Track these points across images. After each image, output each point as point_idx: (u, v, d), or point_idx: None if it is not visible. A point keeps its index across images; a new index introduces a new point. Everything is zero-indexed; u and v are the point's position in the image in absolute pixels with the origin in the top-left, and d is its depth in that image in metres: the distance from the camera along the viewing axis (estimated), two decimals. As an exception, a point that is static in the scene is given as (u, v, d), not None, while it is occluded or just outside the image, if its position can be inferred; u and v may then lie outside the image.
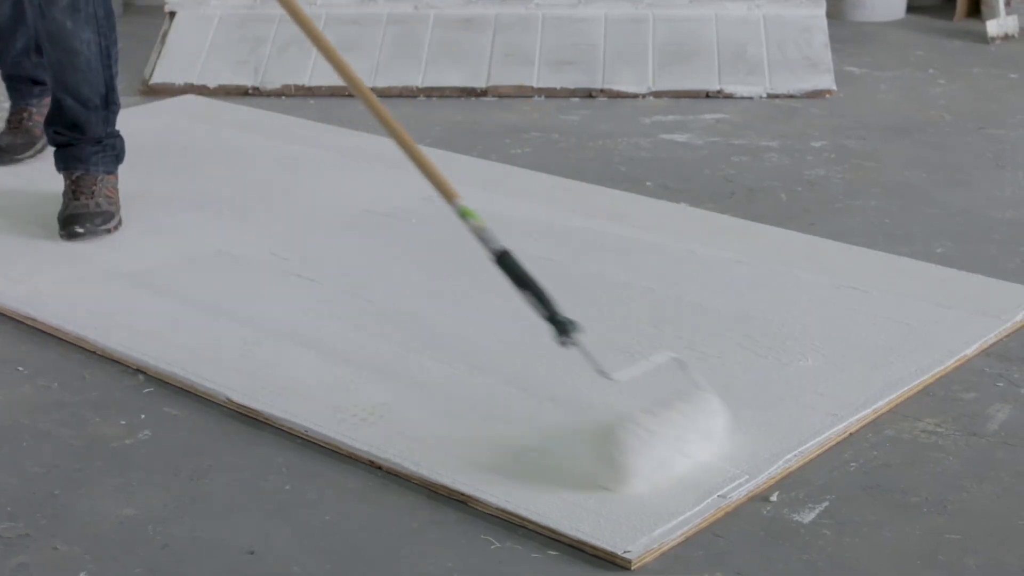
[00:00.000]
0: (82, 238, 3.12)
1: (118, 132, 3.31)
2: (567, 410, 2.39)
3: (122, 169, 3.34)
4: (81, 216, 3.14)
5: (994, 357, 2.62)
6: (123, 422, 2.42)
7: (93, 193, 3.19)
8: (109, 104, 3.27)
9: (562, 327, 2.32)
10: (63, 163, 3.25)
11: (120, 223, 3.21)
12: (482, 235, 2.46)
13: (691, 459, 2.20)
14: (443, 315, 2.78)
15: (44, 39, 3.19)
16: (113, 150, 3.28)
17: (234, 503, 2.17)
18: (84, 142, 3.24)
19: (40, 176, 3.52)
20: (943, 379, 2.53)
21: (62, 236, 3.13)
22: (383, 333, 2.69)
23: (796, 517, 2.12)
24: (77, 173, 3.23)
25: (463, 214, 2.51)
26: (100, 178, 3.23)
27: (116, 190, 3.25)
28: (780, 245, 3.12)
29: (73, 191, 3.20)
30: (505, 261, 2.42)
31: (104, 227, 3.15)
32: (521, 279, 2.39)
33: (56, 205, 3.23)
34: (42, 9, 3.15)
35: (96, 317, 2.76)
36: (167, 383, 2.54)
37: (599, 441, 2.19)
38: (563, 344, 2.33)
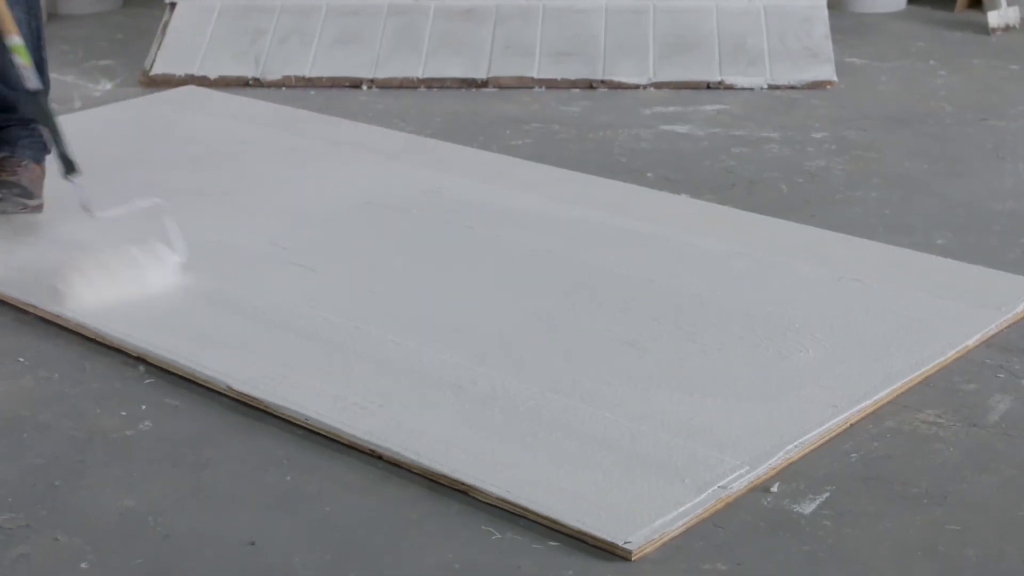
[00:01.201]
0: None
1: None
2: (569, 400, 2.39)
3: (124, 160, 3.34)
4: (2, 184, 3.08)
5: (995, 348, 2.62)
6: (124, 413, 2.42)
7: (16, 172, 3.11)
8: (45, 86, 3.16)
9: (66, 163, 2.90)
10: None
11: (41, 207, 3.14)
12: (23, 72, 2.95)
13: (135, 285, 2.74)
14: (444, 306, 2.78)
15: None
16: (41, 138, 3.17)
17: (235, 494, 2.18)
18: (13, 124, 3.18)
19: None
20: (944, 370, 2.53)
21: None
22: (384, 323, 2.69)
23: (797, 508, 2.12)
24: (2, 155, 3.16)
25: (14, 50, 2.95)
26: (25, 163, 3.15)
27: (40, 184, 3.16)
28: (780, 236, 3.12)
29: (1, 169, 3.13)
30: (36, 98, 2.96)
31: (22, 200, 3.09)
32: (43, 115, 2.95)
33: (48, 197, 3.21)
34: None
35: (96, 307, 2.76)
36: (167, 374, 2.54)
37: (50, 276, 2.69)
38: (64, 176, 2.90)
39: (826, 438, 2.30)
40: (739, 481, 2.16)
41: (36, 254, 3.03)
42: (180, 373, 2.53)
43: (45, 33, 3.22)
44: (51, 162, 3.23)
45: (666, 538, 2.04)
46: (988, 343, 2.64)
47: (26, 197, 3.11)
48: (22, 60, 2.95)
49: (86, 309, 2.72)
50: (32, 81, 2.95)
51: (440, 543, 2.04)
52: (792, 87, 4.32)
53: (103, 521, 2.11)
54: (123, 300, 2.76)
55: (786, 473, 2.21)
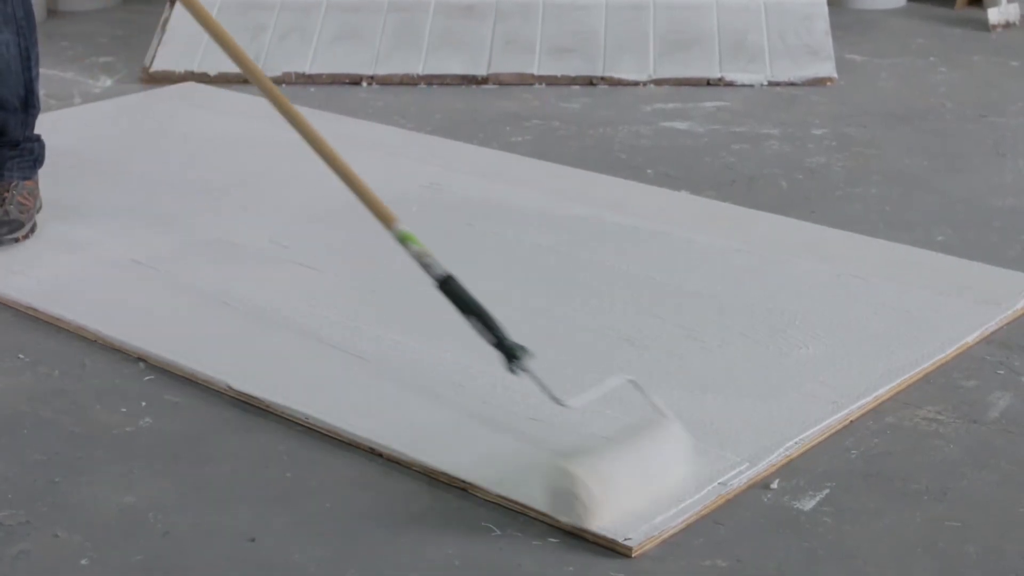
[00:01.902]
0: None
1: (38, 136, 3.17)
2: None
3: (124, 156, 3.33)
4: None
5: (995, 345, 2.62)
6: (124, 410, 2.42)
7: (4, 201, 3.05)
8: (28, 107, 3.12)
9: (511, 353, 2.24)
10: None
11: (32, 231, 3.09)
12: (423, 260, 2.40)
13: (655, 487, 2.10)
14: (444, 303, 2.77)
15: None
16: (31, 155, 3.15)
17: (235, 491, 2.18)
18: (1, 146, 3.11)
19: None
20: (944, 367, 2.53)
21: None
22: (383, 321, 2.69)
23: (797, 505, 2.12)
24: None
25: (403, 239, 2.44)
26: (14, 184, 3.09)
27: (32, 197, 3.12)
28: (781, 233, 3.12)
29: None
30: (449, 286, 2.36)
31: (11, 236, 3.04)
32: (466, 304, 2.33)
33: (47, 197, 3.20)
34: None
35: (96, 305, 2.76)
36: (167, 371, 2.54)
37: (556, 478, 2.05)
38: (513, 372, 2.24)
39: (826, 435, 2.30)
40: (739, 478, 2.16)
41: (34, 254, 3.03)
42: (180, 372, 2.53)
43: (37, 54, 3.15)
44: (48, 165, 3.22)
45: (666, 534, 2.04)
46: (988, 340, 2.64)
47: (16, 230, 3.06)
48: (416, 248, 2.41)
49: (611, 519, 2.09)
50: (436, 269, 2.38)
51: (440, 540, 2.04)
52: (792, 84, 4.32)
53: (103, 518, 2.11)
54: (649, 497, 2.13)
55: (786, 470, 2.21)
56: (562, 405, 2.20)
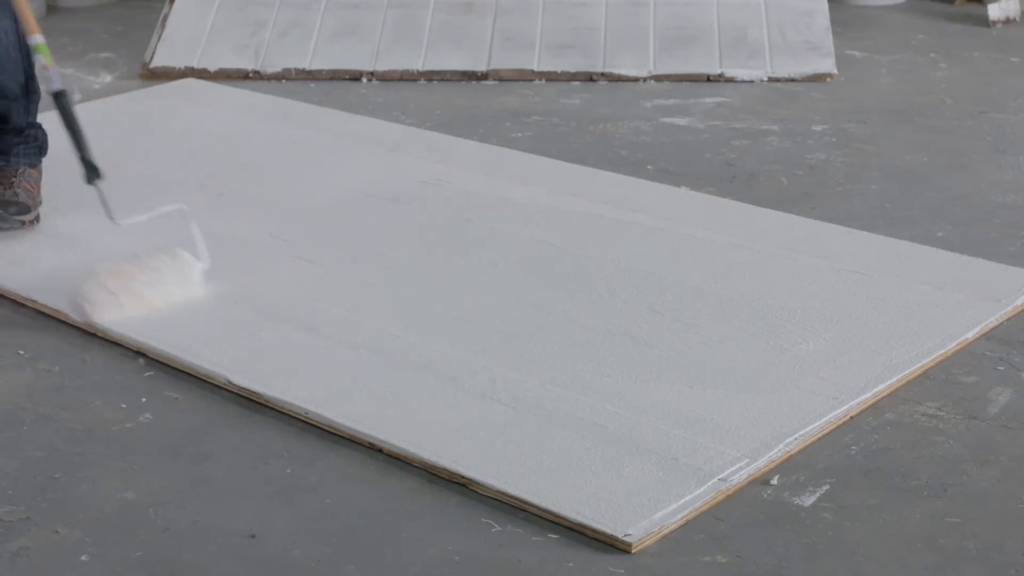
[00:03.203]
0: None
1: (40, 124, 3.20)
2: (569, 392, 2.39)
3: (124, 152, 3.33)
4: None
5: (995, 341, 2.62)
6: (124, 406, 2.42)
7: (12, 184, 3.09)
8: (29, 93, 3.15)
9: (90, 169, 2.81)
10: None
11: (38, 219, 3.12)
12: (43, 73, 2.86)
13: (159, 295, 2.69)
14: (444, 298, 2.78)
15: None
16: (35, 141, 3.18)
17: (235, 487, 2.18)
18: (6, 133, 3.14)
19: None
20: (944, 363, 2.53)
21: None
22: (383, 316, 2.69)
23: (797, 500, 2.12)
24: None
25: (36, 50, 2.88)
26: (21, 170, 3.13)
27: (37, 186, 3.16)
28: (781, 229, 3.12)
29: None
30: (60, 101, 2.82)
31: (19, 217, 3.07)
32: (69, 119, 2.82)
33: (47, 194, 3.20)
34: None
35: (119, 320, 2.76)
36: (167, 367, 2.54)
37: (71, 287, 2.65)
38: (87, 183, 2.80)
39: (826, 430, 2.30)
40: (739, 473, 2.16)
41: (34, 247, 3.03)
42: (180, 367, 2.53)
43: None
44: (47, 162, 3.23)
45: (666, 530, 2.04)
46: (988, 335, 2.64)
47: (23, 213, 3.09)
48: (45, 60, 2.86)
49: (109, 322, 2.65)
50: (55, 82, 2.83)
51: (440, 535, 2.04)
52: (792, 80, 4.32)
53: (103, 513, 2.11)
54: (146, 313, 2.69)
55: (786, 465, 2.21)
56: (114, 222, 2.78)
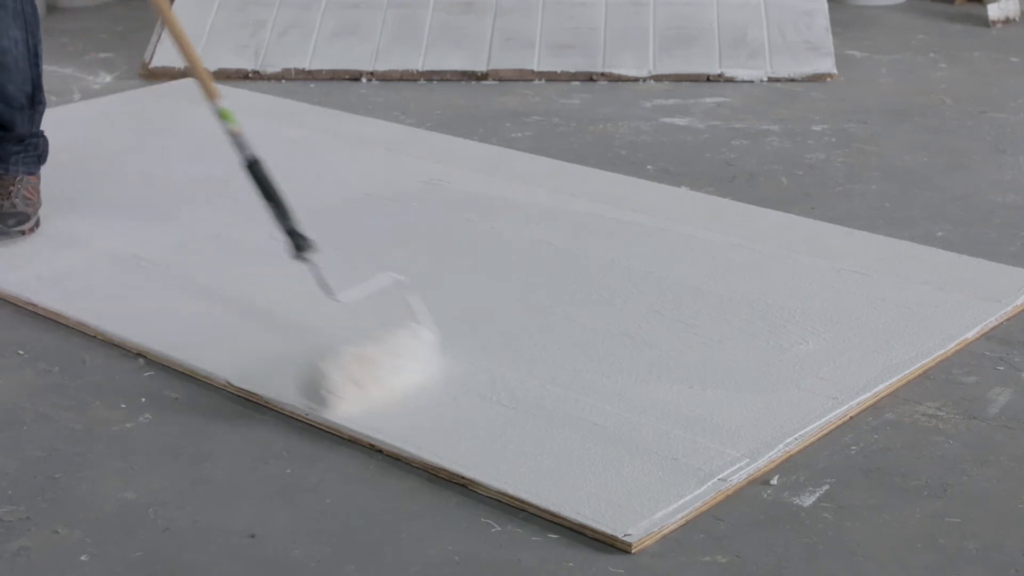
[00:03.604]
0: None
1: (42, 132, 3.19)
2: (569, 392, 2.39)
3: (124, 152, 3.33)
4: None
5: (995, 341, 2.62)
6: (123, 406, 2.42)
7: (10, 194, 3.07)
8: (35, 103, 3.13)
9: (299, 242, 2.49)
10: None
11: (37, 224, 3.11)
12: (237, 140, 2.59)
13: (402, 382, 2.37)
14: (444, 298, 2.77)
15: None
16: (36, 150, 3.17)
17: (235, 487, 2.18)
18: (7, 141, 3.12)
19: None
20: (944, 363, 2.53)
21: None
22: (383, 316, 2.68)
23: (796, 500, 2.12)
24: None
25: (222, 116, 2.62)
26: (20, 178, 3.11)
27: (36, 191, 3.14)
28: (781, 229, 3.12)
29: None
30: (255, 169, 2.55)
31: (18, 228, 3.05)
32: (267, 190, 2.52)
33: (46, 193, 3.20)
34: None
35: (96, 301, 2.76)
36: (167, 367, 2.54)
37: (307, 373, 2.33)
38: (296, 259, 2.49)
39: (826, 430, 2.30)
40: (739, 473, 2.16)
41: (34, 248, 3.03)
42: (180, 368, 2.52)
43: (42, 48, 3.16)
44: (44, 170, 3.22)
45: (666, 530, 2.04)
46: (988, 335, 2.64)
47: (23, 223, 3.07)
48: (231, 126, 2.62)
49: (350, 416, 2.32)
50: (248, 149, 2.59)
51: (440, 535, 2.04)
52: (792, 80, 4.32)
53: (103, 513, 2.11)
54: (389, 402, 2.37)
55: (786, 465, 2.21)
56: (335, 299, 2.46)
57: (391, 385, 2.37)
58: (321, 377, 2.30)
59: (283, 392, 2.40)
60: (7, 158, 3.12)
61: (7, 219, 3.04)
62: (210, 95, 2.66)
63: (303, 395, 2.32)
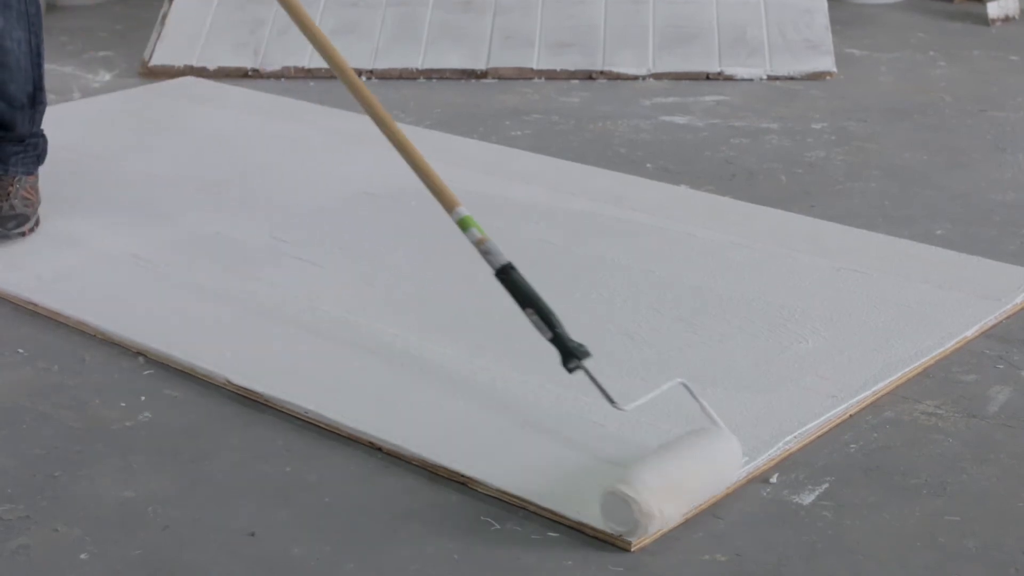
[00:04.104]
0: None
1: (42, 132, 3.18)
2: (568, 391, 2.39)
3: (123, 151, 3.33)
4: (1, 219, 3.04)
5: (994, 339, 2.62)
6: (123, 404, 2.42)
7: (9, 195, 3.05)
8: (36, 103, 3.13)
9: (568, 351, 2.20)
10: None
11: (37, 224, 3.10)
12: (483, 248, 2.34)
13: (709, 493, 2.10)
14: (444, 297, 2.78)
15: None
16: (35, 150, 3.16)
17: (234, 485, 2.18)
18: (7, 141, 3.11)
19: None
20: (943, 361, 2.53)
21: None
22: (383, 315, 2.69)
23: (796, 499, 2.12)
24: None
25: (464, 225, 2.37)
26: (18, 179, 3.10)
27: (35, 191, 3.13)
28: (780, 227, 3.12)
29: None
30: (508, 276, 2.30)
31: (18, 230, 3.04)
32: (525, 296, 2.27)
33: (44, 191, 3.20)
34: None
35: (95, 301, 2.76)
36: (167, 366, 2.54)
37: (613, 499, 2.01)
38: (570, 370, 2.21)
39: (825, 429, 2.30)
40: (738, 472, 2.16)
41: (34, 248, 3.03)
42: (179, 367, 2.53)
43: (44, 46, 3.15)
44: (44, 169, 3.21)
45: (665, 529, 2.04)
46: (987, 334, 2.64)
47: (22, 224, 3.06)
48: (479, 234, 2.35)
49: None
50: (500, 257, 2.33)
51: (439, 534, 2.04)
52: (792, 78, 4.32)
53: (103, 512, 2.11)
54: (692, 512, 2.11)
55: (785, 464, 2.21)
56: (618, 408, 2.17)
57: (697, 499, 2.09)
58: (638, 515, 1.98)
59: (282, 390, 2.40)
60: (7, 158, 3.12)
61: (7, 222, 3.04)
62: (449, 206, 2.39)
63: (611, 520, 2.02)
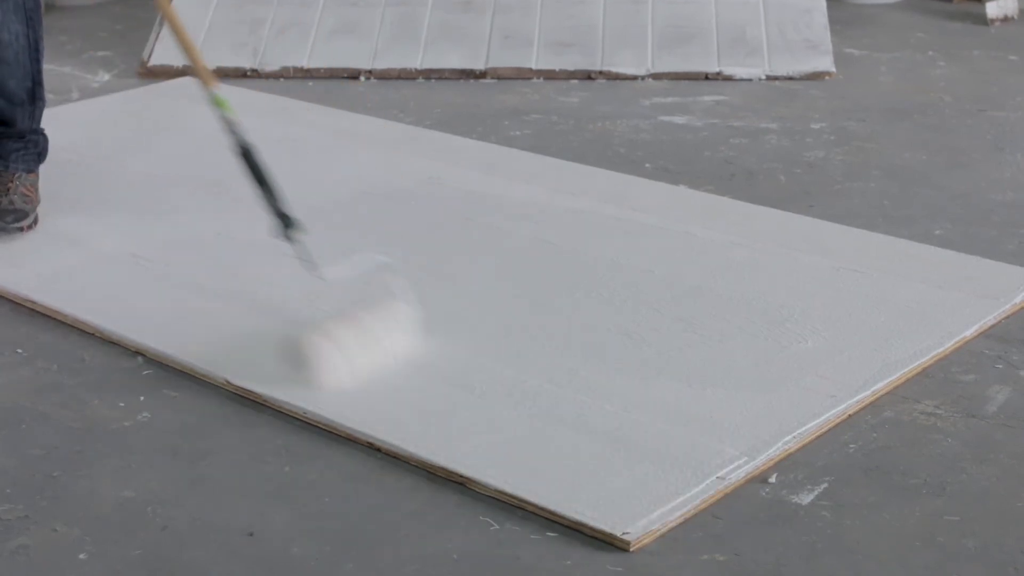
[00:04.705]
0: None
1: (42, 130, 3.19)
2: (567, 391, 2.39)
3: (123, 151, 3.33)
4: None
5: (993, 339, 2.62)
6: (122, 404, 2.42)
7: (8, 191, 3.06)
8: (35, 99, 3.13)
9: (286, 223, 2.57)
10: None
11: (36, 222, 3.10)
12: (232, 127, 2.64)
13: (382, 356, 2.46)
14: (443, 296, 2.77)
15: None
16: (36, 147, 3.17)
17: (233, 485, 2.18)
18: (7, 138, 3.12)
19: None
20: (942, 361, 2.53)
21: None
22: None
23: (795, 499, 2.12)
24: None
25: (217, 103, 2.66)
26: (18, 176, 3.11)
27: (34, 188, 3.14)
28: (780, 227, 3.12)
29: None
30: (248, 156, 2.63)
31: (16, 225, 3.05)
32: (258, 175, 2.61)
33: (44, 190, 3.20)
34: None
35: (95, 300, 2.76)
36: (166, 365, 2.54)
37: (289, 349, 2.44)
38: (285, 239, 2.56)
39: (825, 428, 2.30)
40: (738, 472, 2.16)
41: (33, 247, 3.03)
42: (178, 367, 2.52)
43: (43, 42, 3.16)
44: (44, 169, 3.22)
45: (664, 529, 2.04)
46: (987, 334, 2.64)
47: (21, 219, 3.07)
48: (229, 114, 2.65)
49: (337, 384, 2.42)
50: (240, 136, 2.63)
51: (438, 534, 2.04)
52: (791, 78, 4.32)
53: (102, 512, 2.11)
54: (372, 371, 2.46)
55: (785, 464, 2.21)
56: (321, 279, 2.55)
57: (372, 356, 2.45)
58: (305, 345, 2.40)
59: (281, 390, 2.40)
60: (7, 155, 3.12)
61: (5, 216, 3.04)
62: (206, 81, 2.70)
63: (287, 362, 2.42)
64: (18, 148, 3.14)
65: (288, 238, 2.57)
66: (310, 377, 2.40)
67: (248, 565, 1.98)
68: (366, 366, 2.44)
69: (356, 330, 2.47)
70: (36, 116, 3.15)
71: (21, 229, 3.06)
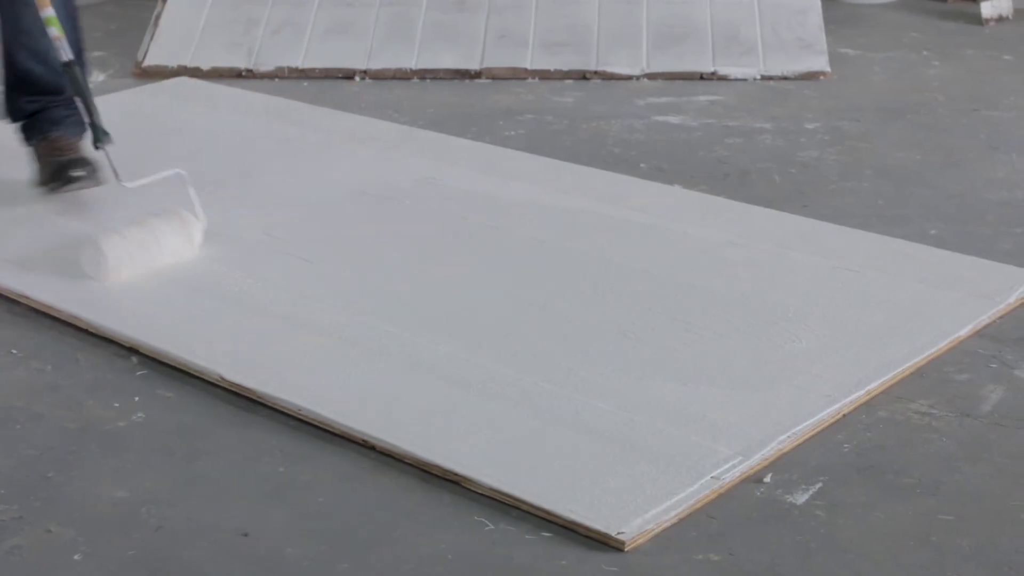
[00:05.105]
0: (80, 183, 3.12)
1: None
2: (562, 390, 2.39)
3: (118, 151, 3.31)
4: (74, 162, 3.13)
5: (987, 338, 2.62)
6: (117, 404, 2.42)
7: (77, 149, 3.16)
8: (81, 65, 3.17)
9: (97, 134, 2.98)
10: (39, 130, 3.22)
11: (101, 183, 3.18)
12: (58, 43, 2.98)
13: (164, 255, 2.87)
14: (438, 295, 2.77)
15: (15, 5, 3.14)
16: (79, 113, 3.18)
17: (228, 485, 2.18)
18: (57, 105, 3.21)
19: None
20: (936, 360, 2.53)
21: (54, 189, 3.14)
22: (377, 313, 2.69)
23: (789, 498, 2.12)
24: (55, 134, 3.21)
25: (47, 22, 2.99)
26: (74, 141, 3.21)
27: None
28: (774, 227, 3.12)
29: (55, 148, 3.18)
30: (70, 70, 2.99)
31: (95, 175, 3.13)
32: (78, 87, 2.99)
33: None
34: None
35: (90, 297, 2.76)
36: (160, 365, 2.54)
37: (87, 248, 2.81)
38: (95, 147, 2.99)
39: (819, 428, 2.30)
40: (732, 471, 2.16)
41: (31, 246, 3.02)
42: (173, 364, 2.52)
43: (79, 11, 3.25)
44: (117, 152, 3.24)
45: (659, 529, 2.04)
46: (981, 333, 2.64)
47: (95, 172, 3.14)
48: (56, 31, 2.98)
49: (120, 276, 2.83)
50: (65, 52, 2.98)
51: (433, 534, 2.04)
52: (785, 78, 4.32)
53: (96, 512, 2.11)
54: (155, 266, 2.88)
55: (779, 463, 2.21)
56: (120, 183, 2.96)
57: (156, 254, 2.88)
58: (97, 249, 2.81)
59: (275, 387, 2.40)
60: (61, 121, 3.22)
61: (86, 164, 3.13)
62: (40, 3, 2.99)
63: (83, 266, 2.82)
64: (69, 115, 3.22)
65: (97, 147, 2.99)
66: (100, 269, 2.80)
67: (243, 565, 1.98)
68: (146, 262, 2.85)
69: (142, 232, 2.87)
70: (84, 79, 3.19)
71: (98, 183, 3.14)
